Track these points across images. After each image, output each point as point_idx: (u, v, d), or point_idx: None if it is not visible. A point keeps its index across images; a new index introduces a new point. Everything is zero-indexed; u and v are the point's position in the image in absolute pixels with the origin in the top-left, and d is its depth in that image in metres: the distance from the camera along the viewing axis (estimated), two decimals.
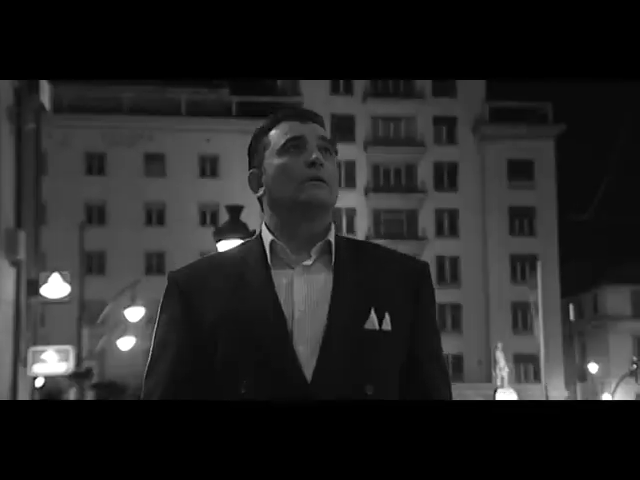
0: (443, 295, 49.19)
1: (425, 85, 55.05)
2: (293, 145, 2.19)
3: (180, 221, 51.62)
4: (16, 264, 15.41)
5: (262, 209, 2.26)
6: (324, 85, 53.99)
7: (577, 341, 55.69)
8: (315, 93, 52.81)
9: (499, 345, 45.28)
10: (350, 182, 52.91)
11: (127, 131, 52.62)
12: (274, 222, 2.21)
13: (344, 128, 52.56)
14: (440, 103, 54.90)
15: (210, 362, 2.11)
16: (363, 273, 2.17)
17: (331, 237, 2.20)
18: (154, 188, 52.10)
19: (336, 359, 2.08)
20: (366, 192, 54.31)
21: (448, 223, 54.68)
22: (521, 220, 54.67)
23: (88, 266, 41.47)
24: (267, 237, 2.20)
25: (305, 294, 2.14)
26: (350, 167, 53.45)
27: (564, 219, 54.32)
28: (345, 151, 50.59)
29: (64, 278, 16.72)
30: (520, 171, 54.62)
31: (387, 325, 2.13)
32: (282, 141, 2.20)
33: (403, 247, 43.96)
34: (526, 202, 54.32)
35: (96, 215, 51.54)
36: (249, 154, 2.30)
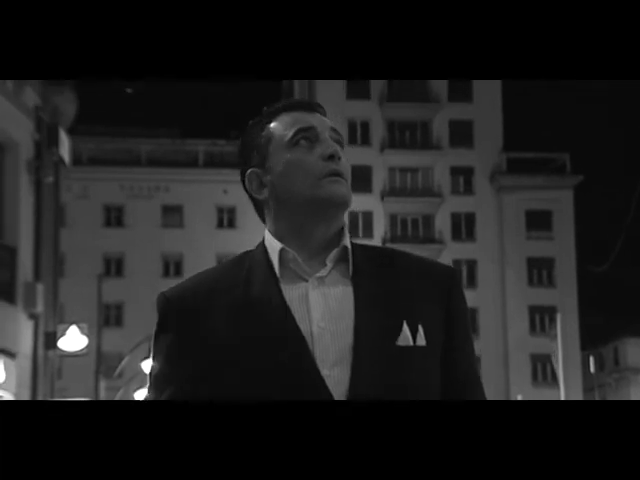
0: None
1: (442, 136, 55.25)
2: (304, 137, 1.92)
3: (198, 272, 51.61)
4: (34, 317, 15.37)
5: (261, 217, 1.99)
6: None
7: (598, 394, 55.01)
8: None
9: (519, 397, 44.88)
10: (367, 232, 52.93)
11: (145, 183, 52.97)
12: (283, 227, 1.92)
13: (361, 178, 52.69)
14: (457, 154, 55.02)
15: (216, 398, 1.82)
16: (386, 282, 1.91)
17: (347, 242, 1.93)
18: (172, 239, 52.29)
19: (370, 382, 1.81)
20: (383, 242, 54.24)
21: (466, 274, 54.44)
22: (540, 271, 54.41)
23: (106, 318, 41.45)
24: (274, 246, 1.92)
25: (323, 309, 1.86)
26: (367, 217, 53.51)
27: (583, 270, 54.02)
28: (362, 201, 50.71)
29: (82, 330, 16.65)
30: (538, 222, 54.50)
31: (421, 340, 1.87)
32: (290, 133, 1.92)
33: None
34: (545, 253, 54.11)
35: (114, 267, 51.71)
36: (242, 153, 2.00)
